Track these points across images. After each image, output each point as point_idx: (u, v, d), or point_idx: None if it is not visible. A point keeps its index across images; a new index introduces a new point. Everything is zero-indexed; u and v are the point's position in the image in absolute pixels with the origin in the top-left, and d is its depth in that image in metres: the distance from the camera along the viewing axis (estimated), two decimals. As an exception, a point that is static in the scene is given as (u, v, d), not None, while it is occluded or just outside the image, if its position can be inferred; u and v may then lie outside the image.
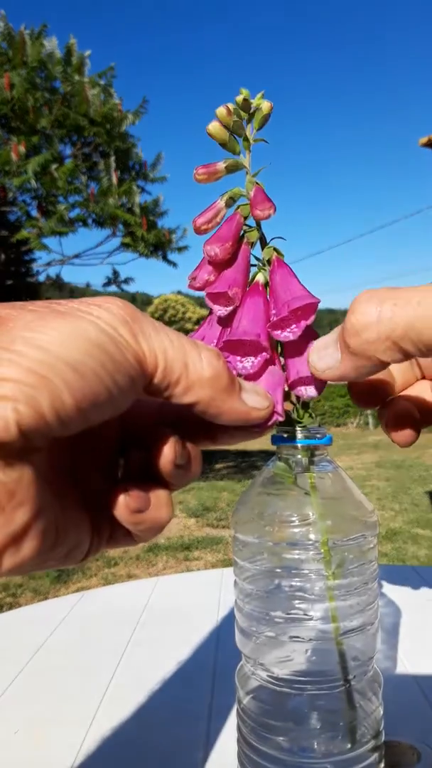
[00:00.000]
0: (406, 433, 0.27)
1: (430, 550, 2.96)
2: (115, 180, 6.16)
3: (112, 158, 6.18)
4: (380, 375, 0.28)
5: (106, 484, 0.25)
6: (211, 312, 0.30)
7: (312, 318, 0.28)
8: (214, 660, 0.60)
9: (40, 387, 0.18)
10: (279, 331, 0.28)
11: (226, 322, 0.30)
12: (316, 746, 0.31)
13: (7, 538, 0.19)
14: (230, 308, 0.29)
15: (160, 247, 6.55)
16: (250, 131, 0.30)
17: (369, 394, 0.28)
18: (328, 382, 0.28)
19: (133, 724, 0.49)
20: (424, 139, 7.04)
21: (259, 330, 0.28)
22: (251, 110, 0.30)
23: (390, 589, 0.74)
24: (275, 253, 0.30)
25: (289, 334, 0.27)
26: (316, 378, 0.27)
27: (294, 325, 0.28)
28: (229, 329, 0.30)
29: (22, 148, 5.64)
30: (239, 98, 0.29)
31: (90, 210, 6.13)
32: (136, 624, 0.70)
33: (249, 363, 0.28)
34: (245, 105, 0.29)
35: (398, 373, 0.30)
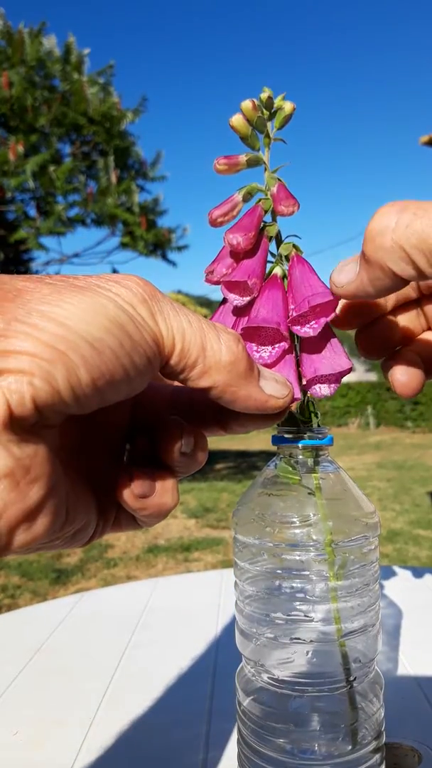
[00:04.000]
0: (412, 384, 0.27)
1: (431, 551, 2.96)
2: (114, 179, 6.15)
3: (111, 157, 6.18)
4: (386, 326, 0.28)
5: (112, 468, 0.25)
6: (222, 302, 0.30)
7: (332, 315, 0.27)
8: (215, 661, 0.60)
9: (56, 362, 0.18)
10: (299, 327, 0.27)
11: (241, 312, 0.29)
12: (317, 748, 0.31)
13: (22, 513, 0.19)
14: (247, 298, 0.28)
15: (159, 246, 6.54)
16: (270, 129, 0.30)
17: (375, 344, 0.28)
18: (341, 382, 0.28)
19: (133, 726, 0.49)
20: (425, 138, 7.04)
21: (278, 319, 0.27)
22: (273, 109, 0.29)
23: (391, 591, 0.74)
24: (294, 250, 0.29)
25: (309, 330, 0.27)
26: (335, 370, 0.27)
27: (314, 322, 0.27)
28: (242, 319, 0.29)
29: (20, 148, 5.63)
30: (263, 95, 0.29)
31: (89, 209, 6.12)
32: (135, 625, 0.70)
33: (266, 353, 0.27)
34: (268, 103, 0.29)
35: (404, 322, 0.29)
